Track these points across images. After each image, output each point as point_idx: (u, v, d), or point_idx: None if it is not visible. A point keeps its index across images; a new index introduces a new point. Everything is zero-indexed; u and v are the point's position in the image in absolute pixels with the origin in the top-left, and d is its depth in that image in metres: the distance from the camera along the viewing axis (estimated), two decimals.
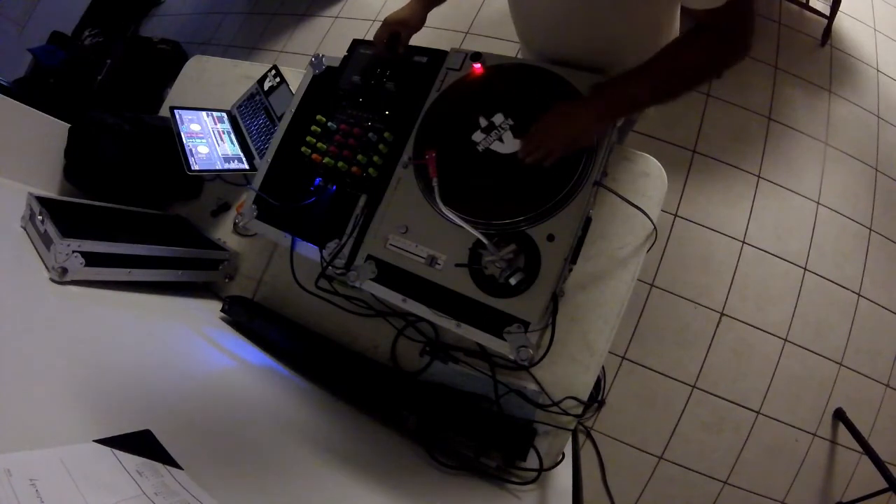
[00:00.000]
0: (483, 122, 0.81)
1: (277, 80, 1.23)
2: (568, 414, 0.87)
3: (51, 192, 1.19)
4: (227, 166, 1.17)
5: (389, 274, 0.81)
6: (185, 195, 1.25)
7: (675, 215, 1.90)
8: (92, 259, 0.84)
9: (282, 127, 1.01)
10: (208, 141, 1.19)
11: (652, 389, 1.76)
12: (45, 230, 0.85)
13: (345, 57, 0.99)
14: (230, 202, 1.23)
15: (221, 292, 1.14)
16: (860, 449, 1.67)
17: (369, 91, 0.93)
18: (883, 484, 1.52)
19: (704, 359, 1.78)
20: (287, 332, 1.00)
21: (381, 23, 0.91)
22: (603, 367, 1.34)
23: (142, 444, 0.50)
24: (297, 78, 1.17)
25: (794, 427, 1.75)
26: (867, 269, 1.91)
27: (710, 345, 1.79)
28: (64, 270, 0.81)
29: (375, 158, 0.88)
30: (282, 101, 1.21)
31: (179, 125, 1.16)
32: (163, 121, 1.22)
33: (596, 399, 1.71)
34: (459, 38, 2.36)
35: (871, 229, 1.96)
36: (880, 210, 1.99)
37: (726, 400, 1.75)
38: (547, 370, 0.88)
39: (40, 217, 0.88)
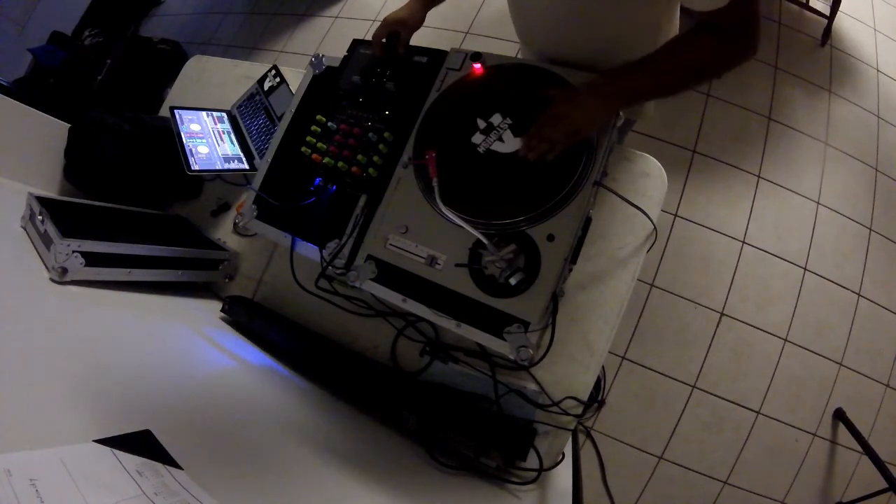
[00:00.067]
0: (481, 123, 0.81)
1: (277, 80, 1.23)
2: (568, 414, 0.87)
3: (51, 192, 1.19)
4: (227, 166, 1.17)
5: (389, 274, 0.81)
6: (185, 195, 1.25)
7: (675, 215, 1.90)
8: (92, 259, 0.84)
9: (282, 127, 1.01)
10: (208, 141, 1.19)
11: (652, 389, 1.76)
12: (45, 230, 0.85)
13: (345, 57, 0.99)
14: (230, 202, 1.23)
15: (221, 292, 1.14)
16: (860, 449, 1.67)
17: (369, 91, 0.93)
18: (883, 484, 1.52)
19: (704, 359, 1.78)
20: (287, 332, 1.00)
21: (380, 23, 0.91)
22: (603, 367, 1.34)
23: (142, 444, 0.50)
24: (297, 78, 1.17)
25: (794, 427, 1.75)
26: (867, 269, 1.91)
27: (710, 345, 1.79)
28: (64, 270, 0.81)
29: (375, 158, 0.88)
30: (282, 101, 1.21)
31: (179, 125, 1.16)
32: (163, 121, 1.22)
33: (596, 399, 1.71)
34: (459, 38, 2.36)
35: (871, 229, 1.96)
36: (880, 210, 1.99)
37: (726, 400, 1.75)
38: (547, 370, 0.88)
39: (40, 217, 0.88)
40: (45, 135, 1.19)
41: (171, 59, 2.73)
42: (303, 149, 0.93)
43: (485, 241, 0.73)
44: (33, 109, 1.20)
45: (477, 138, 0.81)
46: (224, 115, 1.27)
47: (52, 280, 0.80)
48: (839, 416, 1.76)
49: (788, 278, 1.86)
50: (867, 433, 1.73)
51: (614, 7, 0.74)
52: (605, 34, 0.80)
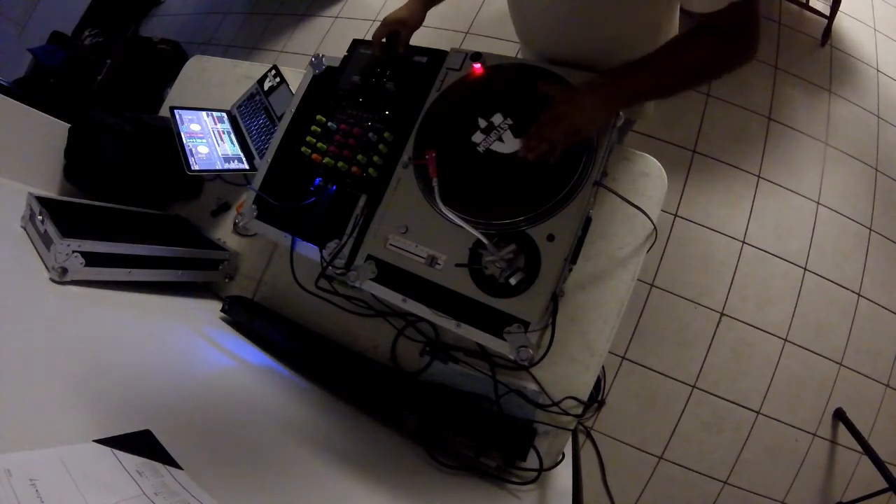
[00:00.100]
0: (482, 122, 0.81)
1: (277, 80, 1.23)
2: (568, 414, 0.87)
3: (51, 192, 1.19)
4: (227, 166, 1.17)
5: (389, 274, 0.81)
6: (185, 195, 1.25)
7: (675, 215, 1.90)
8: (92, 259, 0.84)
9: (282, 127, 1.01)
10: (208, 141, 1.19)
11: (652, 389, 1.76)
12: (45, 230, 0.85)
13: (345, 57, 0.99)
14: (230, 202, 1.23)
15: (221, 292, 1.14)
16: (860, 449, 1.67)
17: (369, 91, 0.93)
18: (883, 484, 1.52)
19: (704, 359, 1.78)
20: (287, 332, 1.00)
21: (380, 23, 0.91)
22: (603, 367, 1.34)
23: (142, 444, 0.50)
24: (297, 78, 1.17)
25: (794, 427, 1.76)
26: (867, 269, 1.91)
27: (710, 345, 1.79)
28: (64, 270, 0.81)
29: (375, 158, 0.88)
30: (282, 101, 1.21)
31: (179, 125, 1.16)
32: (163, 121, 1.22)
33: (596, 399, 1.71)
34: (459, 38, 2.36)
35: (871, 229, 1.96)
36: (880, 210, 1.99)
37: (726, 400, 1.75)
38: (547, 370, 0.88)
39: (40, 217, 0.88)
40: (45, 135, 1.19)
41: (171, 59, 2.73)
42: (303, 149, 0.93)
43: (485, 241, 0.73)
44: (33, 109, 1.20)
45: (477, 137, 0.81)
46: (224, 115, 1.27)
47: (52, 280, 0.80)
48: (839, 416, 1.76)
49: (788, 278, 1.86)
50: (867, 433, 1.73)
51: (614, 7, 0.74)
52: (605, 34, 0.80)
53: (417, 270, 0.79)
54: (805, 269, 1.87)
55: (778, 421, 1.75)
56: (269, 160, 1.00)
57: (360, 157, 0.88)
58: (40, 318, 0.71)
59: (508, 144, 0.79)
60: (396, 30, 0.91)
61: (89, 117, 1.16)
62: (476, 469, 0.84)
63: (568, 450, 0.92)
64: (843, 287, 1.88)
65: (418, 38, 0.93)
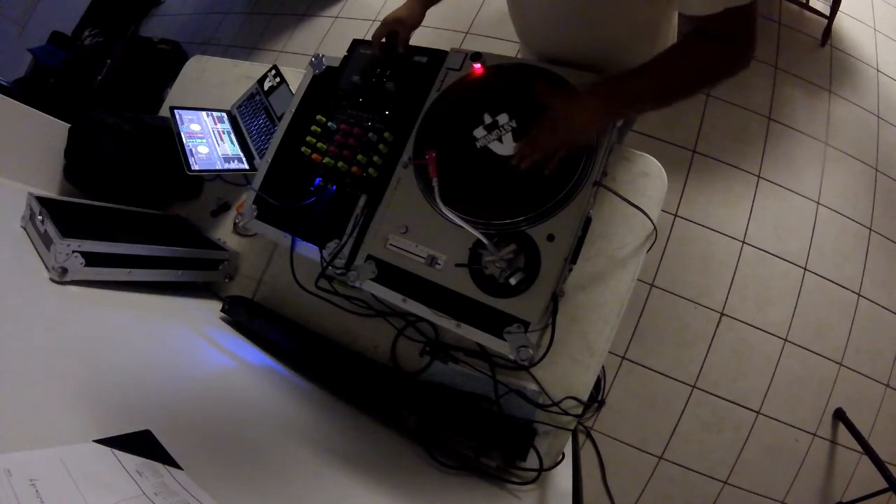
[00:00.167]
0: (488, 118, 0.81)
1: (277, 80, 1.23)
2: (568, 414, 0.87)
3: (51, 192, 1.19)
4: (227, 166, 1.17)
5: (389, 274, 0.81)
6: (185, 195, 1.25)
7: (675, 215, 1.90)
8: (92, 259, 0.84)
9: (282, 127, 1.01)
10: (208, 141, 1.19)
11: (652, 389, 1.76)
12: (45, 230, 0.85)
13: (345, 57, 0.99)
14: (230, 202, 1.23)
15: (221, 292, 1.14)
16: (860, 449, 1.67)
17: (369, 91, 0.93)
18: (883, 484, 1.52)
19: (704, 359, 1.78)
20: (287, 332, 1.00)
21: (380, 23, 0.91)
22: (603, 367, 1.34)
23: (142, 444, 0.50)
24: (297, 78, 1.17)
25: (794, 427, 1.76)
26: (867, 269, 1.91)
27: (710, 345, 1.79)
28: (64, 270, 0.81)
29: (375, 158, 0.88)
30: (282, 101, 1.21)
31: (179, 125, 1.16)
32: (163, 121, 1.22)
33: (596, 399, 1.71)
34: (459, 38, 2.36)
35: (871, 229, 1.96)
36: (880, 210, 1.99)
37: (726, 400, 1.75)
38: (547, 370, 0.88)
39: (40, 217, 0.88)
40: (45, 135, 1.19)
41: (171, 59, 2.73)
42: (303, 149, 0.93)
43: (485, 241, 0.73)
44: (33, 109, 1.20)
45: (479, 132, 0.81)
46: (224, 115, 1.27)
47: (52, 280, 0.80)
48: (839, 416, 1.76)
49: (788, 278, 1.86)
50: (867, 433, 1.73)
51: (614, 7, 0.74)
52: (604, 34, 0.80)
53: (417, 270, 0.79)
54: (805, 269, 1.87)
55: (778, 421, 1.75)
56: (269, 160, 1.00)
57: (360, 157, 0.88)
58: (40, 318, 0.71)
59: (506, 147, 0.79)
60: (396, 30, 0.91)
61: (89, 117, 1.16)
62: (476, 469, 0.84)
63: (568, 450, 0.92)
64: (843, 287, 1.88)
65: (418, 38, 0.93)
